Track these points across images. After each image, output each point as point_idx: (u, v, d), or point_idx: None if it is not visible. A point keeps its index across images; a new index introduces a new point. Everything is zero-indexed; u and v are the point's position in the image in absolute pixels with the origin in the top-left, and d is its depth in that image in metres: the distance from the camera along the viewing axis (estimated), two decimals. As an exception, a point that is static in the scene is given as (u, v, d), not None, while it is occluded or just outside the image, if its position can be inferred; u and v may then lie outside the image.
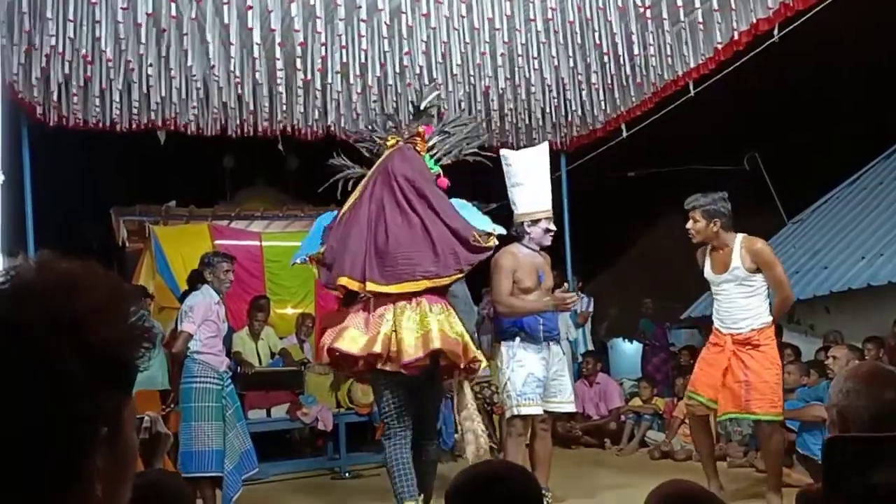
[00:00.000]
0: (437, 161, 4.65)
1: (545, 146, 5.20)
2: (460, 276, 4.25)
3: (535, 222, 4.88)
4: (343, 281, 4.25)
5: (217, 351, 5.04)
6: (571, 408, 5.27)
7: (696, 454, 6.75)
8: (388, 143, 4.61)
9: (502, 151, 5.08)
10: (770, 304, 4.83)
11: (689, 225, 4.83)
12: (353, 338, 4.15)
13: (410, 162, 4.46)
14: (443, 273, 4.18)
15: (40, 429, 0.64)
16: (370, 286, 4.16)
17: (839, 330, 7.41)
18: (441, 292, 4.26)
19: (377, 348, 4.06)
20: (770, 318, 4.80)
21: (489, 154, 4.85)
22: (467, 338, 4.22)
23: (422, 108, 4.83)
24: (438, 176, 4.59)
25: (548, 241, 4.97)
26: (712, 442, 5.36)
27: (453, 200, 4.50)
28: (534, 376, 4.74)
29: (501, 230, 4.51)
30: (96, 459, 0.69)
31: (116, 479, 0.72)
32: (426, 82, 6.18)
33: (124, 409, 0.73)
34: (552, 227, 4.96)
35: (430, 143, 4.65)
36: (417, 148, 4.56)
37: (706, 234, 4.77)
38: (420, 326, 4.10)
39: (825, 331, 7.68)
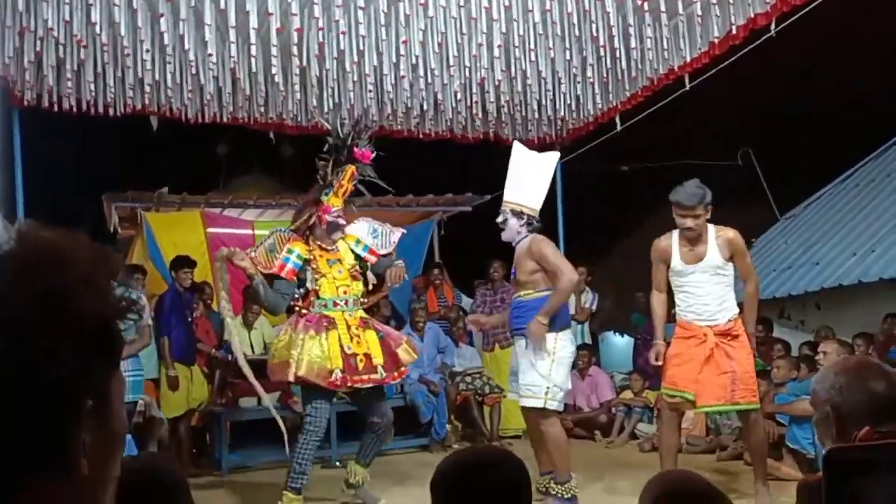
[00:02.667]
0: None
1: (555, 155, 5.30)
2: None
3: (517, 214, 4.94)
4: None
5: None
6: (523, 402, 4.88)
7: (686, 447, 6.79)
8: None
9: (515, 143, 5.24)
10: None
11: (691, 223, 4.62)
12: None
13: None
14: None
15: (23, 401, 0.63)
16: None
17: (830, 326, 7.44)
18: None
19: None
20: (738, 310, 4.80)
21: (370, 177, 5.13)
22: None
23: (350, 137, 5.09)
24: (323, 203, 5.02)
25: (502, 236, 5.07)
26: (679, 439, 5.28)
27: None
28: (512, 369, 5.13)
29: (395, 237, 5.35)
30: (82, 434, 0.67)
31: (104, 454, 0.71)
32: (421, 73, 6.16)
33: (111, 381, 0.71)
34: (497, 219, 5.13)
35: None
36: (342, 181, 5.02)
37: (702, 226, 4.70)
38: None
39: (815, 326, 7.71)
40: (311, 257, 4.97)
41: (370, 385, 4.93)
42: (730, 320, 4.72)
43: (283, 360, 4.84)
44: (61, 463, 0.65)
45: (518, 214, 4.90)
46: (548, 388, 4.70)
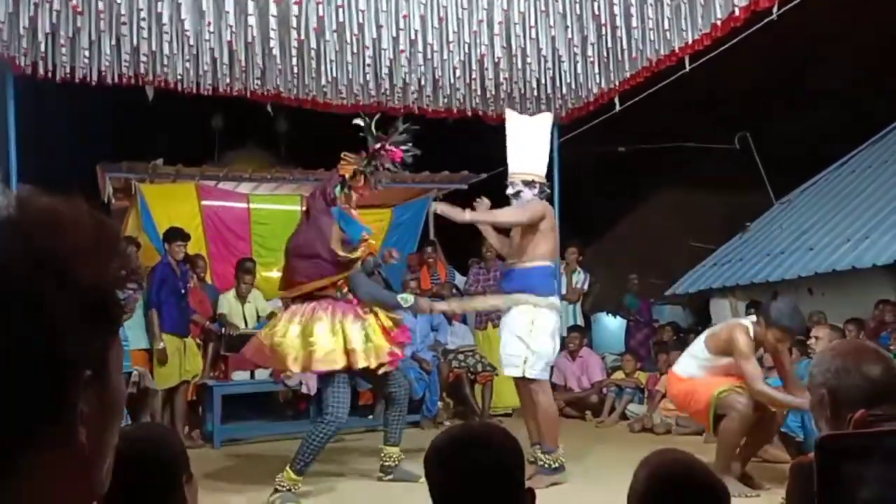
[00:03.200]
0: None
1: (549, 116, 5.24)
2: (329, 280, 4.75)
3: (529, 184, 4.98)
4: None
5: None
6: (503, 370, 5.25)
7: (675, 428, 6.85)
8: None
9: (507, 111, 5.24)
10: None
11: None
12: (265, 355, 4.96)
13: (319, 187, 4.99)
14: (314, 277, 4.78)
15: (22, 370, 0.62)
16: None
17: (822, 311, 7.48)
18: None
19: (290, 365, 4.77)
20: None
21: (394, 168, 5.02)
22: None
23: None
24: (347, 195, 4.90)
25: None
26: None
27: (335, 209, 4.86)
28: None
29: (369, 231, 5.05)
30: (80, 403, 0.67)
31: (102, 424, 0.70)
32: (420, 49, 6.11)
33: (110, 350, 0.71)
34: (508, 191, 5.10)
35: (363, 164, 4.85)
36: (342, 171, 4.87)
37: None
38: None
39: (808, 312, 7.75)
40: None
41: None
42: None
43: (331, 350, 4.63)
44: (60, 433, 0.65)
45: (530, 184, 4.97)
46: (525, 357, 4.83)
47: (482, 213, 5.05)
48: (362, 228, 4.93)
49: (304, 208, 5.05)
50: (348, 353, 4.62)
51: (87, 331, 0.66)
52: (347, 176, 4.84)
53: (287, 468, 4.70)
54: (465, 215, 4.96)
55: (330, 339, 4.61)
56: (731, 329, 4.78)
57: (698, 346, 4.96)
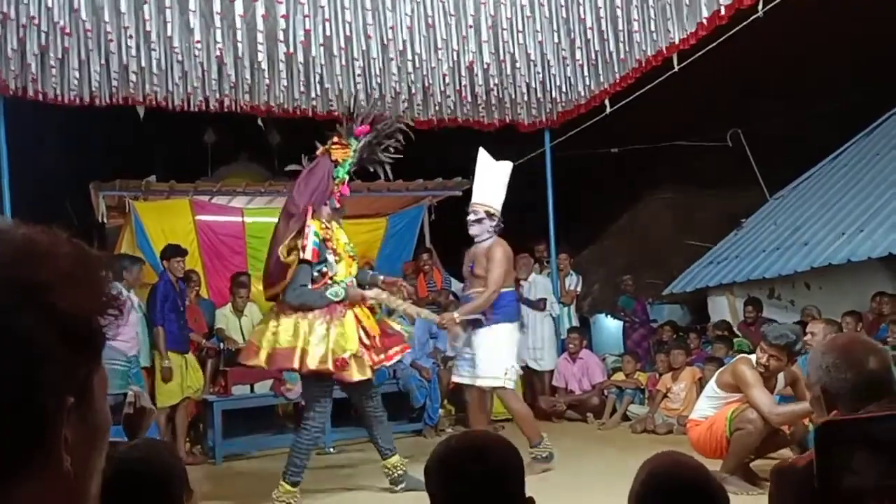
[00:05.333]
0: (351, 166, 4.84)
1: (510, 164, 5.53)
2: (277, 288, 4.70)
3: (490, 215, 5.37)
4: None
5: (128, 338, 5.74)
6: (480, 382, 5.35)
7: (677, 427, 6.84)
8: (318, 153, 4.84)
9: (481, 150, 5.46)
10: None
11: (767, 361, 4.60)
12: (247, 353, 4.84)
13: (303, 178, 4.80)
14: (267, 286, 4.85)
15: (3, 399, 0.62)
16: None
17: (818, 306, 7.49)
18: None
19: (262, 363, 4.70)
20: None
21: (386, 159, 4.96)
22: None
23: (351, 111, 4.94)
24: (343, 183, 4.83)
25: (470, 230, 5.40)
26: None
27: None
28: (461, 351, 5.50)
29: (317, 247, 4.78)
30: (64, 430, 0.67)
31: (87, 450, 0.70)
32: (409, 57, 6.12)
33: (93, 377, 0.71)
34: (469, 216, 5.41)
35: (359, 145, 4.79)
36: (335, 156, 4.76)
37: (778, 371, 4.73)
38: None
39: (805, 306, 7.76)
40: (328, 236, 4.72)
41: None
42: None
43: (289, 348, 4.59)
44: (45, 460, 0.65)
45: (491, 216, 5.34)
46: (506, 369, 5.28)
47: (472, 306, 5.29)
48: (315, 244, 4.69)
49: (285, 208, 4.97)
50: (302, 352, 4.55)
51: (69, 358, 0.66)
52: (340, 160, 4.77)
53: (281, 482, 4.70)
54: (456, 316, 5.26)
55: (289, 338, 4.59)
56: (735, 364, 4.85)
57: (711, 388, 5.01)
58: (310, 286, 4.65)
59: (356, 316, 4.70)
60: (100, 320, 0.71)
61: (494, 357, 5.26)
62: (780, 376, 4.81)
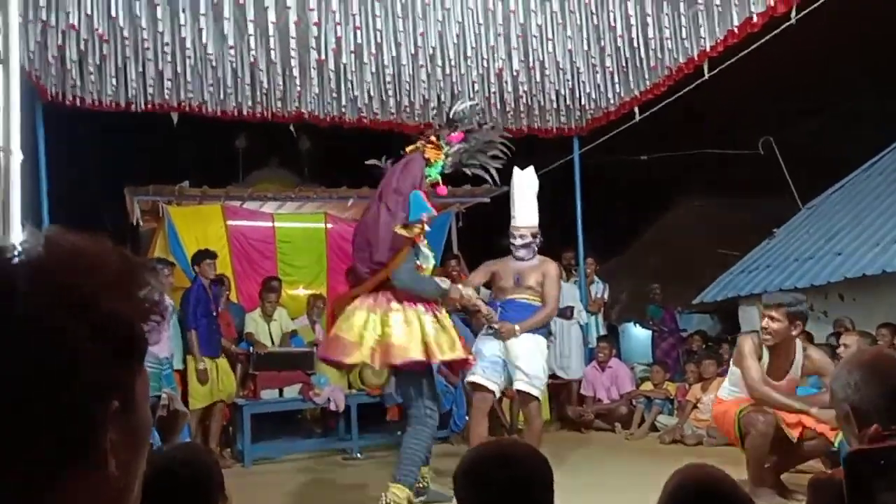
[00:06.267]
0: (444, 168, 4.68)
1: (534, 176, 5.47)
2: (386, 271, 4.37)
3: (535, 235, 5.41)
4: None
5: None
6: (524, 387, 5.22)
7: (706, 439, 6.76)
8: (409, 149, 4.66)
9: (515, 169, 5.34)
10: None
11: (766, 323, 4.53)
12: (343, 348, 4.44)
13: (402, 175, 4.50)
14: (375, 268, 4.42)
15: (53, 403, 0.65)
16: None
17: (852, 317, 7.36)
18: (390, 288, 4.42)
19: (366, 359, 4.38)
20: None
21: (491, 165, 4.80)
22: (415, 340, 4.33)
23: (451, 116, 4.75)
24: (436, 184, 4.68)
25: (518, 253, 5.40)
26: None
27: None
28: (481, 352, 5.21)
29: (431, 211, 4.55)
30: (110, 434, 0.69)
31: (131, 453, 0.72)
32: (439, 63, 6.15)
33: (136, 382, 0.73)
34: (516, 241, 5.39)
35: (452, 150, 4.64)
36: (428, 154, 4.57)
37: (784, 336, 4.53)
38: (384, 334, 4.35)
39: (835, 317, 7.63)
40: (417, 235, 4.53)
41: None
42: None
43: (406, 342, 4.30)
44: (91, 462, 0.67)
45: (534, 236, 5.39)
46: (544, 382, 5.40)
47: (534, 321, 5.27)
48: (425, 209, 4.49)
49: (380, 203, 4.51)
50: (425, 344, 4.30)
51: (113, 364, 0.68)
52: (433, 160, 4.57)
53: (394, 484, 4.31)
54: (517, 329, 5.20)
55: (405, 329, 4.31)
56: (739, 338, 4.82)
57: (732, 367, 4.99)
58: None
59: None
60: (143, 326, 0.73)
61: (540, 365, 5.28)
62: (798, 363, 4.64)
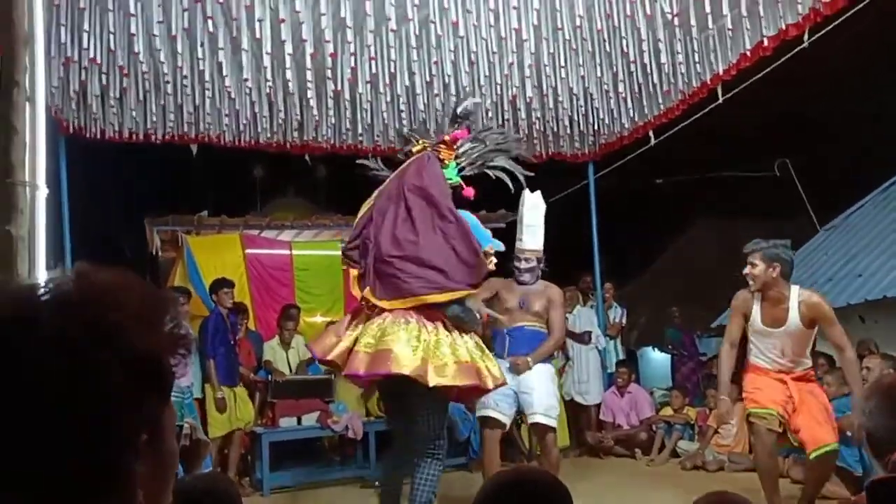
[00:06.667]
0: (461, 170, 4.43)
1: (542, 201, 5.35)
2: (454, 295, 4.00)
3: (539, 260, 5.33)
4: (364, 294, 4.17)
5: None
6: (542, 419, 5.10)
7: (728, 465, 6.68)
8: (415, 150, 4.41)
9: (525, 192, 5.17)
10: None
11: (748, 270, 4.62)
12: (323, 341, 4.15)
13: (424, 171, 4.19)
14: (432, 291, 3.96)
15: (83, 436, 0.66)
16: (367, 294, 4.07)
17: (873, 340, 7.27)
18: (436, 310, 4.03)
19: (332, 356, 4.00)
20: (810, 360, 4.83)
21: (517, 168, 4.56)
22: (465, 361, 3.95)
23: (458, 112, 4.55)
24: (459, 186, 4.36)
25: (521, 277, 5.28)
26: (778, 463, 5.11)
27: (460, 211, 4.21)
28: None
29: (500, 246, 4.38)
30: (137, 465, 0.71)
31: (158, 484, 0.74)
32: (453, 92, 6.22)
33: (163, 414, 0.75)
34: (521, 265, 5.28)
35: (461, 150, 4.44)
36: (441, 155, 4.32)
37: (765, 279, 4.56)
38: (377, 343, 3.89)
39: (859, 339, 7.54)
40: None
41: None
42: (805, 369, 4.75)
43: (468, 363, 3.96)
44: (118, 493, 0.69)
45: (540, 260, 5.33)
46: (557, 410, 5.32)
47: (545, 350, 5.27)
48: (490, 240, 4.23)
49: (399, 201, 4.14)
50: (478, 370, 3.98)
51: (142, 397, 0.70)
52: (446, 161, 4.32)
53: None
54: (529, 361, 5.15)
55: (461, 351, 3.97)
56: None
57: None
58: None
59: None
60: (170, 359, 0.76)
61: (553, 394, 5.26)
62: (794, 311, 4.56)
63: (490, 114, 6.82)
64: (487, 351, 4.25)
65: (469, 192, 4.40)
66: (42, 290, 0.72)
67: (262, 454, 6.53)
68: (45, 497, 0.66)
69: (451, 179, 4.31)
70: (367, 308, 4.09)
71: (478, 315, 4.21)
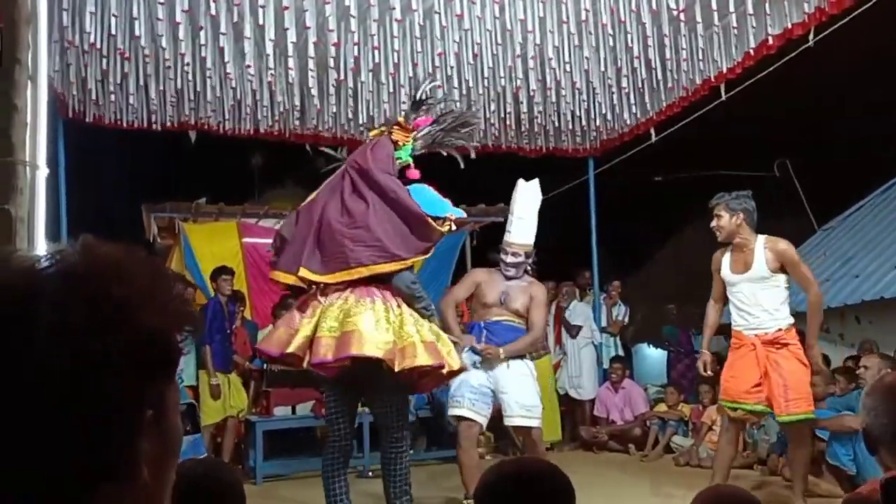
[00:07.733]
0: (416, 151, 4.40)
1: (535, 183, 5.19)
2: (402, 264, 4.01)
3: (528, 255, 5.11)
4: (276, 276, 4.17)
5: None
6: (521, 422, 4.98)
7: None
8: (372, 134, 4.45)
9: (520, 181, 5.12)
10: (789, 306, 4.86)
11: (714, 223, 4.85)
12: (277, 337, 4.02)
13: (369, 150, 4.20)
14: (379, 261, 3.94)
15: (87, 413, 0.65)
16: (303, 272, 3.97)
17: (868, 340, 7.28)
18: (385, 282, 4.00)
19: (291, 349, 3.86)
20: (792, 319, 4.81)
21: (472, 147, 4.64)
22: (415, 339, 3.86)
23: (418, 98, 4.50)
24: (407, 166, 4.32)
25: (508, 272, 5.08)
26: (736, 452, 5.28)
27: (413, 186, 4.23)
28: (467, 383, 4.84)
29: (460, 213, 4.38)
30: (142, 443, 0.69)
31: (162, 462, 0.73)
32: (456, 84, 6.19)
33: (168, 392, 0.74)
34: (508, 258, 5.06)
35: (420, 133, 4.37)
36: (395, 137, 4.28)
37: (730, 229, 4.77)
38: (341, 325, 3.80)
39: (855, 340, 7.56)
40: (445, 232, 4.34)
41: None
42: (779, 329, 4.73)
43: (432, 343, 3.88)
44: (125, 471, 0.67)
45: (528, 255, 5.10)
46: (541, 408, 5.09)
47: (518, 347, 5.01)
48: (449, 209, 4.19)
49: (344, 177, 4.16)
50: (439, 351, 3.93)
51: (148, 373, 0.69)
52: (401, 143, 4.28)
53: None
54: (501, 353, 4.93)
55: (421, 331, 3.91)
56: None
57: None
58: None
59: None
60: (175, 336, 0.74)
61: (534, 391, 5.02)
62: (760, 257, 4.70)
63: (493, 107, 6.80)
64: (445, 336, 4.20)
65: (414, 173, 4.34)
66: (48, 262, 0.70)
67: (256, 443, 6.53)
68: (49, 473, 0.65)
69: (400, 159, 4.29)
70: (320, 293, 3.99)
71: (434, 307, 4.27)
